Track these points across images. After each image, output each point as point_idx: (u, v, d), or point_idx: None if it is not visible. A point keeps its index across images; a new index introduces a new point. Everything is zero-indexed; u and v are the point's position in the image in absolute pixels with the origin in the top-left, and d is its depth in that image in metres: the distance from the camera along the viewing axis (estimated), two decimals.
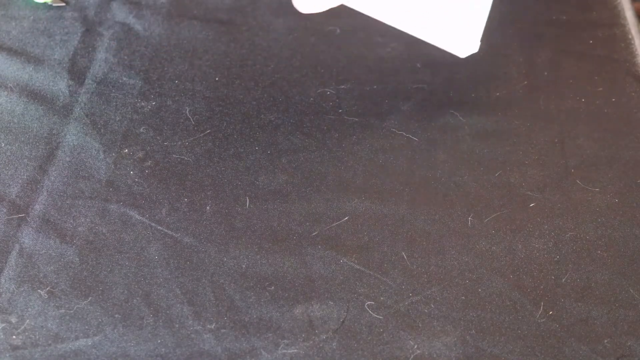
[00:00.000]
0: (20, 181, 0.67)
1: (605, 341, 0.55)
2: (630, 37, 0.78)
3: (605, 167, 0.66)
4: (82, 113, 0.71)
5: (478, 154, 0.68)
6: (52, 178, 0.67)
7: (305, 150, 0.68)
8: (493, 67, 0.77)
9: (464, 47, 0.67)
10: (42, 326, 0.58)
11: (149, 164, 0.68)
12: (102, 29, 0.80)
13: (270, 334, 0.56)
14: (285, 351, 0.56)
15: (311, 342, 0.56)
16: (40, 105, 0.73)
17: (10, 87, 0.75)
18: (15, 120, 0.72)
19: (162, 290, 0.59)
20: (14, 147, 0.70)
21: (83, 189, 0.66)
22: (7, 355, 0.56)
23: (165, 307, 0.58)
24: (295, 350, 0.56)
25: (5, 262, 0.61)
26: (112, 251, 0.62)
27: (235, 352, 0.56)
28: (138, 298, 0.59)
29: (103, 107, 0.72)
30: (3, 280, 0.60)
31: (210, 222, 0.64)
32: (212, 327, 0.57)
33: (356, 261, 0.61)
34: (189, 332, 0.57)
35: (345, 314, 0.58)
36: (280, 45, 0.79)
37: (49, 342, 0.57)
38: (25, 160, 0.69)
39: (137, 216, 0.64)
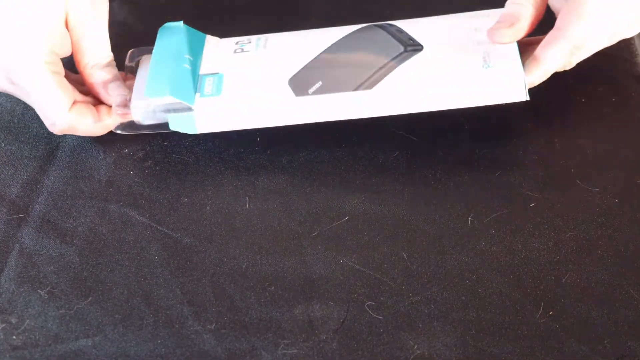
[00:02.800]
0: (20, 181, 0.67)
1: (605, 341, 0.55)
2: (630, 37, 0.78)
3: (605, 167, 0.66)
4: None
5: (478, 154, 0.68)
6: (52, 178, 0.67)
7: (305, 150, 0.68)
8: None
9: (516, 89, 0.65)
10: (42, 326, 0.58)
11: (149, 164, 0.68)
12: None
13: (270, 334, 0.56)
14: (285, 351, 0.56)
15: (311, 342, 0.56)
16: None
17: None
18: (15, 120, 0.72)
19: (162, 290, 0.59)
20: (14, 147, 0.70)
21: (83, 189, 0.66)
22: (7, 355, 0.56)
23: (165, 307, 0.58)
24: (295, 350, 0.56)
25: (5, 262, 0.61)
26: (112, 251, 0.62)
27: (235, 352, 0.56)
28: (138, 298, 0.59)
29: None
30: (3, 281, 0.60)
31: (210, 222, 0.64)
32: (212, 327, 0.57)
33: (356, 261, 0.61)
34: (189, 332, 0.57)
35: (345, 314, 0.58)
36: None
37: (49, 342, 0.57)
38: (25, 160, 0.69)
39: (137, 216, 0.64)
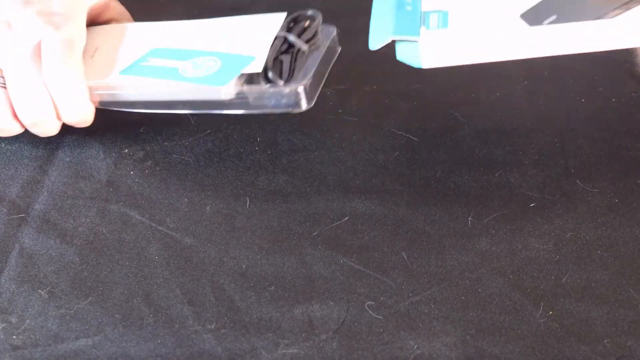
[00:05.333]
0: (20, 181, 0.67)
1: (605, 341, 0.55)
2: None
3: (605, 167, 0.66)
4: None
5: (478, 154, 0.68)
6: (52, 178, 0.67)
7: (305, 150, 0.68)
8: (493, 67, 0.76)
9: None
10: (42, 326, 0.58)
11: (149, 164, 0.68)
12: None
13: (270, 334, 0.56)
14: (285, 351, 0.56)
15: (311, 342, 0.56)
16: None
17: None
18: None
19: (162, 290, 0.59)
20: (14, 147, 0.70)
21: (83, 189, 0.66)
22: (7, 355, 0.56)
23: (165, 307, 0.58)
24: (295, 350, 0.56)
25: (6, 262, 0.61)
26: (112, 251, 0.62)
27: (235, 352, 0.56)
28: (138, 298, 0.59)
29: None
30: (3, 280, 0.60)
31: (210, 222, 0.64)
32: (212, 327, 0.57)
33: (356, 261, 0.61)
34: (189, 332, 0.57)
35: (345, 314, 0.58)
36: None
37: (49, 342, 0.57)
38: (25, 160, 0.69)
39: (137, 216, 0.64)
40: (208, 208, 0.65)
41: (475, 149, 0.68)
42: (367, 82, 0.74)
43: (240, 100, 0.65)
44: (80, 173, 0.68)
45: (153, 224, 0.64)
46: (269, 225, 0.63)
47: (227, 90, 0.64)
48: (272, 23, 0.68)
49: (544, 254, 0.60)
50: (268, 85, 0.65)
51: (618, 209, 0.63)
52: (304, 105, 0.65)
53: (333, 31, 0.70)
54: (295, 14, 0.69)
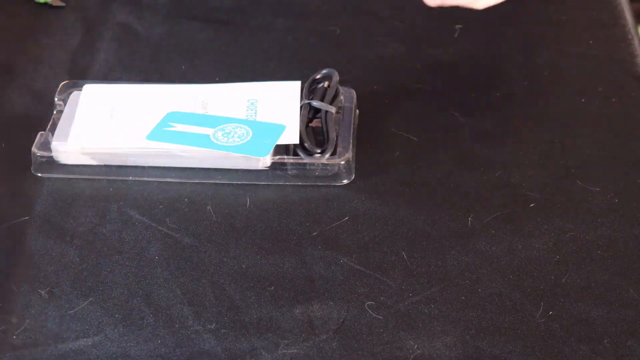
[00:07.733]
0: (20, 181, 0.67)
1: (605, 341, 0.55)
2: (630, 37, 0.78)
3: (605, 167, 0.66)
4: None
5: (478, 154, 0.68)
6: (53, 178, 0.67)
7: None
8: (493, 67, 0.76)
9: None
10: (42, 326, 0.58)
11: None
12: (102, 29, 0.80)
13: (270, 334, 0.56)
14: (285, 351, 0.56)
15: (311, 342, 0.56)
16: (41, 106, 0.73)
17: (11, 87, 0.75)
18: (16, 120, 0.72)
19: (162, 290, 0.59)
20: (14, 147, 0.70)
21: (83, 188, 0.66)
22: (7, 355, 0.56)
23: (165, 307, 0.58)
24: (295, 350, 0.56)
25: (6, 262, 0.61)
26: (112, 251, 0.62)
27: (235, 352, 0.56)
28: (138, 298, 0.59)
29: None
30: (3, 280, 0.60)
31: (210, 222, 0.64)
32: (212, 327, 0.57)
33: (356, 261, 0.61)
34: (189, 332, 0.57)
35: (345, 314, 0.58)
36: (280, 45, 0.79)
37: (49, 342, 0.57)
38: (26, 160, 0.69)
39: (137, 216, 0.64)
40: (208, 208, 0.65)
41: (475, 149, 0.68)
42: (367, 82, 0.74)
43: (275, 170, 0.66)
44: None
45: (153, 224, 0.64)
46: (269, 225, 0.63)
47: (265, 160, 0.65)
48: (291, 89, 0.69)
49: (544, 254, 0.61)
50: (306, 156, 0.65)
51: (618, 209, 0.63)
52: (345, 180, 0.65)
53: (353, 94, 0.70)
54: (312, 77, 0.69)
